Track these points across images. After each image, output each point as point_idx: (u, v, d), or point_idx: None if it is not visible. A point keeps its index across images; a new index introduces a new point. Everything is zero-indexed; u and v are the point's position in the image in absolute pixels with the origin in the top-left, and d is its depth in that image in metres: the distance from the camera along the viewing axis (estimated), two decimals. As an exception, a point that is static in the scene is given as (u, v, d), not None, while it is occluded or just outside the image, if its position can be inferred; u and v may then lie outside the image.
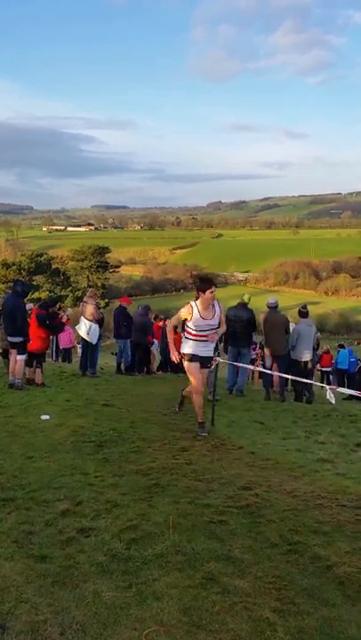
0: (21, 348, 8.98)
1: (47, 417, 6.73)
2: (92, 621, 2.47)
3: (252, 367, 8.80)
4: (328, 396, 6.08)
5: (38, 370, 9.55)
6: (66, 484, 4.28)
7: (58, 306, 10.56)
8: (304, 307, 10.51)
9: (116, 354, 13.43)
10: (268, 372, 9.06)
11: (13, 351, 9.16)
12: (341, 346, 20.19)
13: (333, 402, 5.60)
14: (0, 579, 2.79)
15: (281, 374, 8.25)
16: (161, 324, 15.03)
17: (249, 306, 9.92)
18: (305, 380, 7.87)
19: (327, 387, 4.86)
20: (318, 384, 6.74)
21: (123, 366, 12.63)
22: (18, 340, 8.96)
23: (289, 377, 7.58)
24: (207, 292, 5.88)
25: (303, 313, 10.26)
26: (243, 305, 9.81)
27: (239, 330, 9.49)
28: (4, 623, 2.42)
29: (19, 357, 8.96)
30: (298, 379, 7.59)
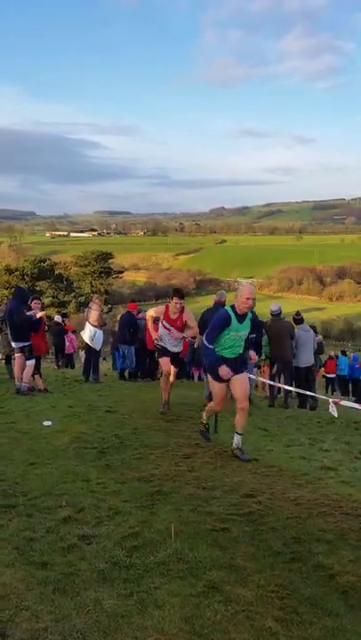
0: (28, 352, 9.01)
1: (49, 423, 6.71)
2: (93, 629, 2.44)
3: (253, 377, 8.76)
4: (330, 410, 6.05)
5: (37, 376, 9.53)
6: (68, 491, 4.27)
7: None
8: (297, 314, 10.55)
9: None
10: (270, 382, 9.02)
11: (17, 357, 9.19)
12: (343, 352, 20.24)
13: (336, 414, 5.57)
14: (0, 586, 2.77)
15: (284, 386, 8.22)
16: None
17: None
18: (309, 393, 7.82)
19: (330, 400, 4.84)
20: (323, 397, 6.71)
21: (126, 372, 12.63)
22: (23, 344, 8.99)
23: (292, 389, 7.56)
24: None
25: (298, 320, 10.28)
26: None
27: None
28: (4, 631, 2.40)
29: (28, 363, 8.99)
30: (301, 391, 7.55)
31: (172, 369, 7.65)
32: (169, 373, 7.62)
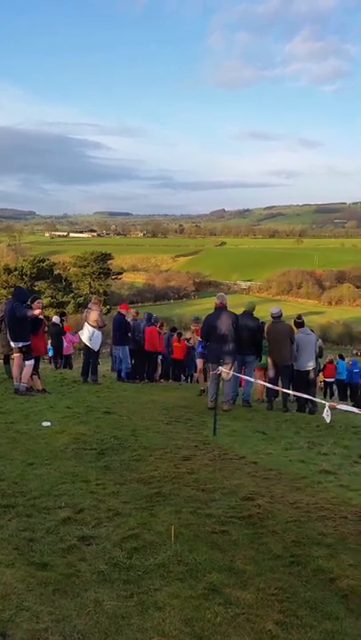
0: (27, 353, 9.01)
1: (48, 424, 6.71)
2: (94, 630, 2.45)
3: (252, 380, 8.73)
4: (324, 414, 6.03)
5: (35, 376, 9.52)
6: (67, 492, 4.27)
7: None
8: (299, 317, 10.52)
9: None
10: (270, 385, 8.98)
11: (15, 357, 9.18)
12: (341, 356, 20.25)
13: (328, 420, 5.54)
14: (1, 586, 2.77)
15: (283, 390, 8.19)
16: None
17: (254, 314, 9.90)
18: (306, 396, 7.79)
19: (327, 404, 4.82)
20: (321, 401, 6.68)
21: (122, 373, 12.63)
22: (22, 344, 8.99)
23: (291, 392, 7.52)
24: None
25: (299, 323, 10.24)
26: (248, 313, 9.77)
27: (245, 337, 9.40)
28: (4, 631, 2.40)
29: (27, 363, 8.98)
30: (299, 394, 7.52)
31: None
32: None
